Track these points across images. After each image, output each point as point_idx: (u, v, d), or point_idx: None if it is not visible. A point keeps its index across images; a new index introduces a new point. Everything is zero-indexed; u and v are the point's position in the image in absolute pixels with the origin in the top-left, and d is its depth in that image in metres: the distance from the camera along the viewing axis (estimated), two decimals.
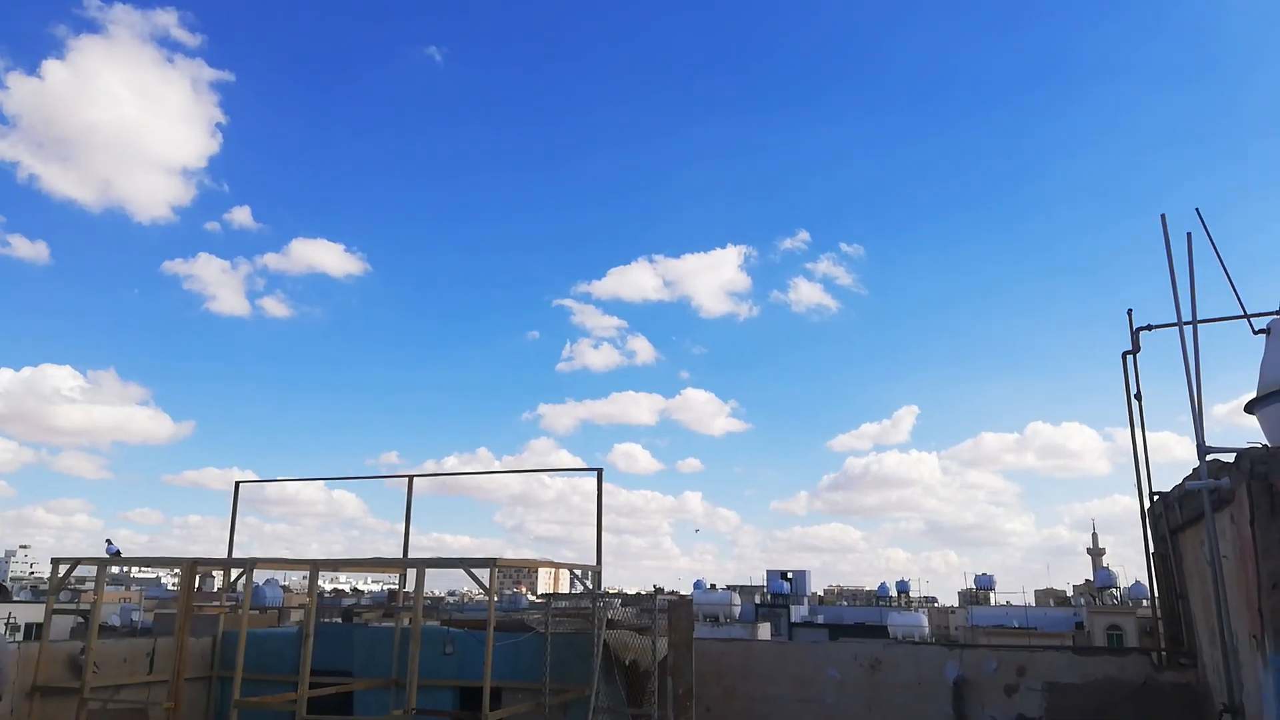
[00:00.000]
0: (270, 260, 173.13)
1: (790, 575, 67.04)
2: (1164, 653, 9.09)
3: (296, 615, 16.03)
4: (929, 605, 78.14)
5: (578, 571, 11.10)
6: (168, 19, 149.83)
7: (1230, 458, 5.81)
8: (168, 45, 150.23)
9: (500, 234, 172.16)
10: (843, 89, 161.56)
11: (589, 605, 9.91)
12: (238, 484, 13.87)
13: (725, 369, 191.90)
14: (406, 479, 12.94)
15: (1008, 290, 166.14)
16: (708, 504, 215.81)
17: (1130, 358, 9.42)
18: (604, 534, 11.56)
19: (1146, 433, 9.24)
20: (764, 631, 47.22)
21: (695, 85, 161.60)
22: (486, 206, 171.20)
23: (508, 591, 73.44)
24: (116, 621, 49.31)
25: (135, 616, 50.73)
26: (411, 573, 10.34)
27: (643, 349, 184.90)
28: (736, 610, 59.39)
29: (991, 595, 70.45)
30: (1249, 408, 6.94)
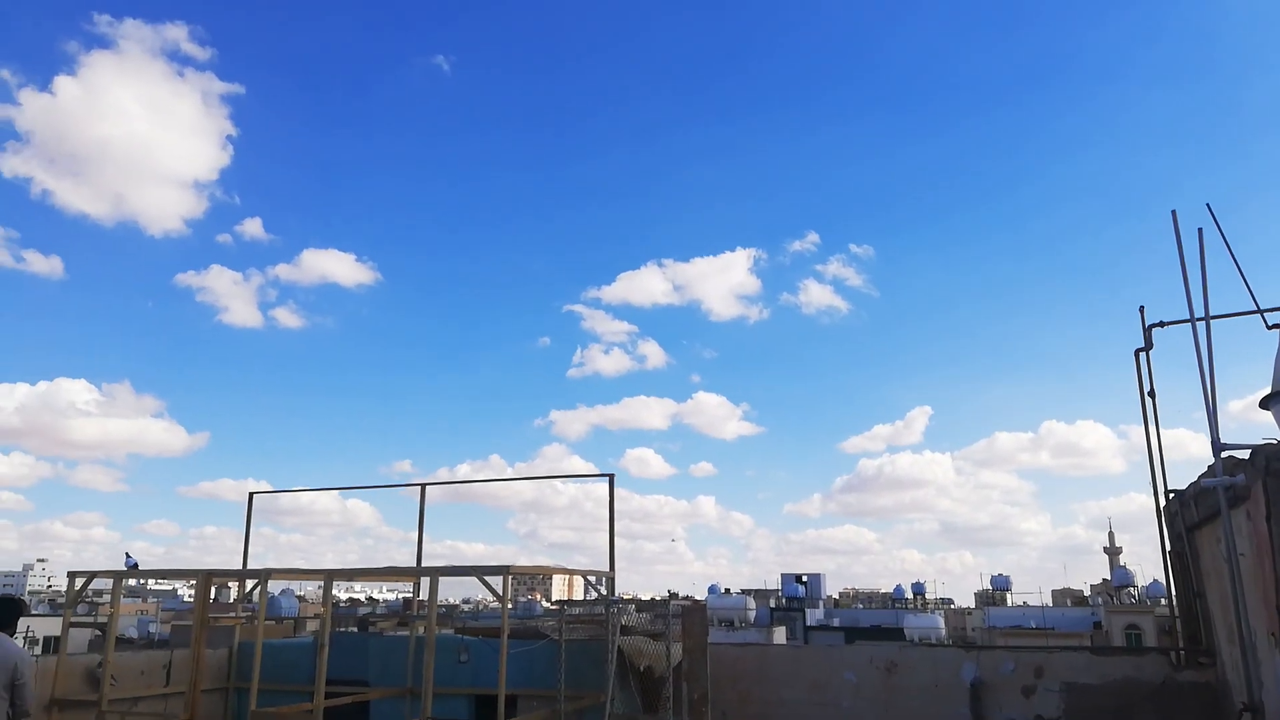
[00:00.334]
0: (282, 271, 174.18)
1: (805, 578, 66.89)
2: (1182, 652, 9.02)
3: (312, 625, 16.09)
4: (945, 607, 77.81)
5: (591, 578, 11.09)
6: (178, 33, 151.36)
7: (1246, 454, 5.78)
8: (178, 59, 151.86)
9: (510, 241, 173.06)
10: (848, 89, 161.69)
11: (603, 611, 9.91)
12: (251, 495, 13.93)
13: (736, 372, 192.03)
14: (419, 487, 12.97)
15: (1018, 289, 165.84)
16: (721, 508, 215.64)
17: (1143, 355, 9.38)
18: (617, 539, 11.56)
19: (1161, 430, 9.20)
20: (779, 635, 47.15)
21: (700, 88, 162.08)
22: (496, 214, 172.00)
23: (522, 598, 73.46)
24: (133, 634, 49.58)
25: (152, 628, 51.02)
26: (426, 581, 10.35)
27: (653, 353, 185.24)
28: (751, 614, 59.31)
29: (1008, 596, 70.10)
30: (1264, 404, 6.88)
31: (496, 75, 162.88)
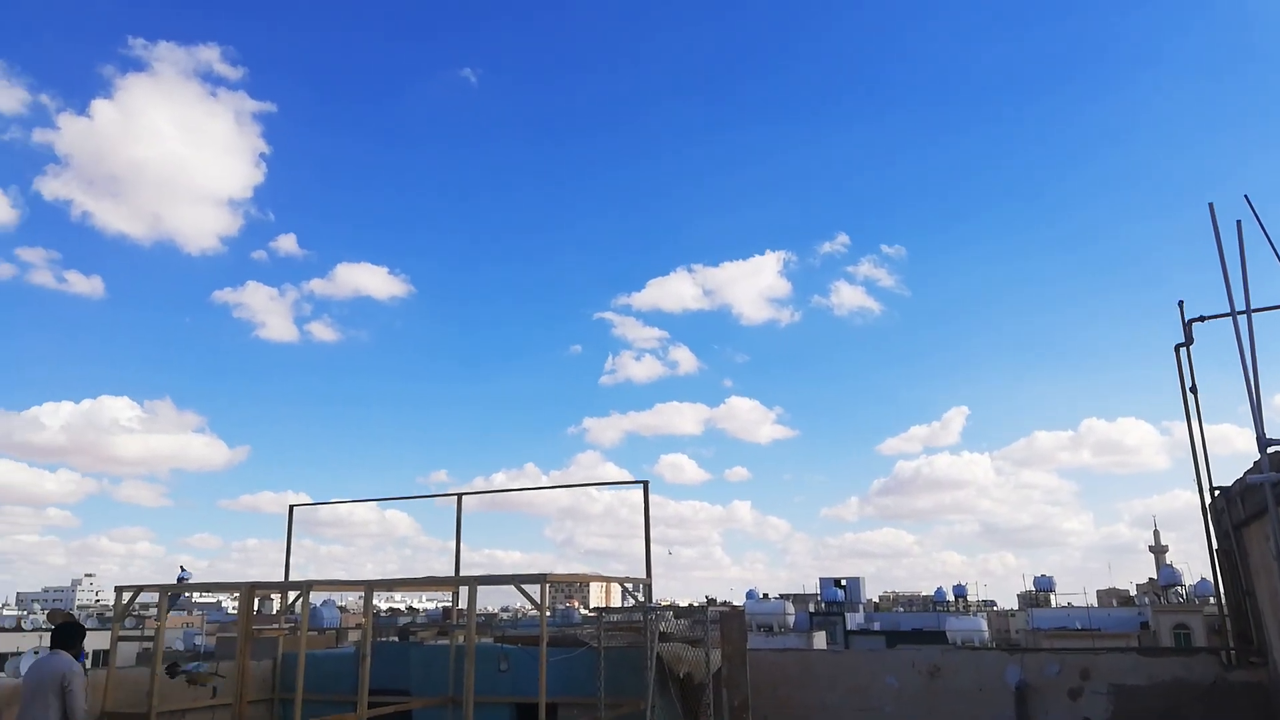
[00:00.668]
0: (316, 286, 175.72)
1: (844, 582, 66.41)
2: (1233, 651, 8.85)
3: (354, 635, 16.25)
4: (988, 609, 76.73)
5: (629, 585, 11.11)
6: (210, 54, 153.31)
7: None
8: (211, 80, 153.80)
9: (539, 249, 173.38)
10: (874, 87, 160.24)
11: (641, 618, 9.91)
12: (292, 507, 14.12)
13: (769, 376, 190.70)
14: (456, 497, 13.07)
15: (1053, 285, 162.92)
16: (757, 512, 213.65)
17: (1184, 350, 9.23)
18: (653, 545, 11.56)
19: (1204, 426, 9.04)
20: (819, 640, 46.74)
21: (726, 92, 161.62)
22: (525, 223, 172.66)
23: (560, 606, 73.59)
24: (180, 646, 50.34)
25: (198, 641, 51.77)
26: (465, 590, 10.42)
27: (685, 359, 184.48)
28: (790, 619, 58.99)
29: (1052, 597, 68.98)
30: None
31: (523, 86, 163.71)
